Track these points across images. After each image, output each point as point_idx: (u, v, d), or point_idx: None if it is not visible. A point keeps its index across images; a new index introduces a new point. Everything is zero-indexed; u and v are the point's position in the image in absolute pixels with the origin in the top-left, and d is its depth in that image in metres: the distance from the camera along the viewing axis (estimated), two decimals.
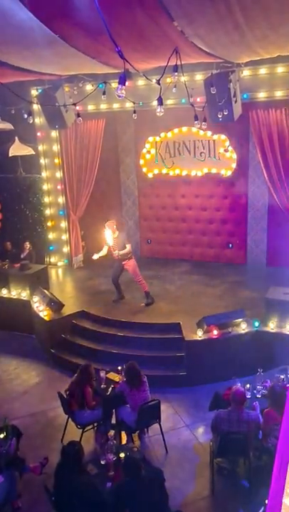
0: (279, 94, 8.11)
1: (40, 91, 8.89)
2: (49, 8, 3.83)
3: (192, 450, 5.60)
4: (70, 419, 5.72)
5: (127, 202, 11.12)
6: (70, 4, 3.66)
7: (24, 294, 8.87)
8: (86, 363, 5.88)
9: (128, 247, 8.01)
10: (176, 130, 10.13)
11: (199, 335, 6.88)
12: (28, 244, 10.26)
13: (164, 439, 5.60)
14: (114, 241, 7.95)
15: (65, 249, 10.81)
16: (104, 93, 7.00)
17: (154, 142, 10.46)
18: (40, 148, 10.41)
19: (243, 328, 6.96)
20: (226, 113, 7.43)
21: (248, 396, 5.26)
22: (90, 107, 9.45)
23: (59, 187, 10.51)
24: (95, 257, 8.06)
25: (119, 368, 6.13)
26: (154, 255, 11.09)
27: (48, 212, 10.76)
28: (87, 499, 3.93)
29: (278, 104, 8.34)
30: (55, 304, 8.10)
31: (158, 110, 4.78)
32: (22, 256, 9.96)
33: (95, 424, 5.82)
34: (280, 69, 7.95)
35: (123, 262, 8.10)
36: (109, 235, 7.92)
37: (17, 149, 10.27)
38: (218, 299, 8.41)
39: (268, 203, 9.69)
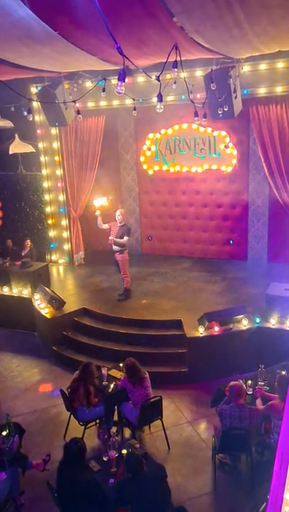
0: (279, 89, 8.10)
1: (39, 88, 8.87)
2: (48, 5, 3.82)
3: (194, 446, 5.62)
4: (72, 416, 5.74)
5: (127, 199, 11.10)
6: (69, 1, 3.66)
7: (25, 292, 8.89)
8: (87, 362, 5.91)
9: (125, 238, 8.16)
10: (176, 127, 10.10)
11: (200, 331, 6.89)
12: (29, 242, 10.26)
13: (166, 435, 5.62)
14: (117, 229, 8.14)
15: (66, 246, 10.82)
16: (103, 90, 7.00)
17: (155, 139, 10.43)
18: (41, 145, 10.40)
19: (244, 324, 6.97)
20: (226, 109, 7.43)
21: (249, 392, 5.27)
22: (90, 104, 9.43)
23: (59, 184, 10.51)
24: (98, 213, 8.22)
25: (121, 364, 6.15)
26: (154, 252, 11.09)
27: (48, 209, 10.77)
28: (89, 495, 3.95)
29: (279, 99, 8.33)
30: (56, 302, 8.12)
31: (158, 107, 4.76)
32: (23, 254, 9.97)
33: (97, 421, 5.84)
34: (280, 64, 7.93)
35: (116, 254, 8.22)
36: (117, 221, 8.13)
37: (17, 147, 10.27)
38: (219, 296, 8.41)
39: (268, 199, 9.67)
